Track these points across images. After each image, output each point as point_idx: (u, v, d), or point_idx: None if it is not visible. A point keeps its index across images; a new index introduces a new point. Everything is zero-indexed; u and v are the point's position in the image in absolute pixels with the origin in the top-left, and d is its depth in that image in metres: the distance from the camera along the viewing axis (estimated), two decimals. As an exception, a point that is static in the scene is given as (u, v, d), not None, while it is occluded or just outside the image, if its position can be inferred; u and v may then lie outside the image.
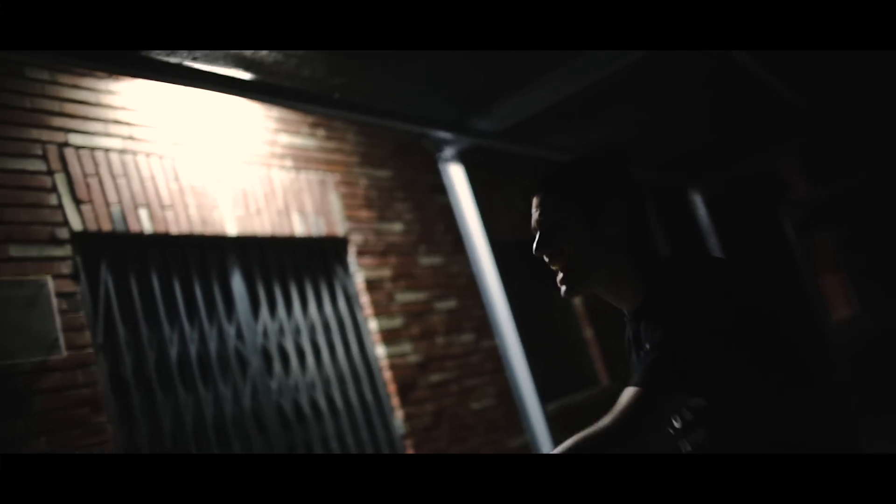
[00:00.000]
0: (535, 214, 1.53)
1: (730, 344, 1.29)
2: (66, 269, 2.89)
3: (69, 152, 3.05)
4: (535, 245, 1.50)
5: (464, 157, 4.13)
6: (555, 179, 1.53)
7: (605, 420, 1.28)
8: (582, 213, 1.47)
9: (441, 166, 4.14)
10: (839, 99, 6.82)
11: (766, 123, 7.08)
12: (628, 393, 1.30)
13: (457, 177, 4.05)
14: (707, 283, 1.37)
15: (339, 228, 4.13)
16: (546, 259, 1.51)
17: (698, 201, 8.05)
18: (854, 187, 10.83)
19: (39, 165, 2.94)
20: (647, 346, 1.35)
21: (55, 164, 2.99)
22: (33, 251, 2.80)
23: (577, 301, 6.06)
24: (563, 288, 1.49)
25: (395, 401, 4.05)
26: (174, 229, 3.33)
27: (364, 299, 4.14)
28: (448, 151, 4.06)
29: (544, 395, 4.06)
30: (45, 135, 3.01)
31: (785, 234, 11.35)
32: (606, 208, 1.46)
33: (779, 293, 1.45)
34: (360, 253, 4.20)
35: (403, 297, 4.35)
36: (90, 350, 2.85)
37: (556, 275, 1.51)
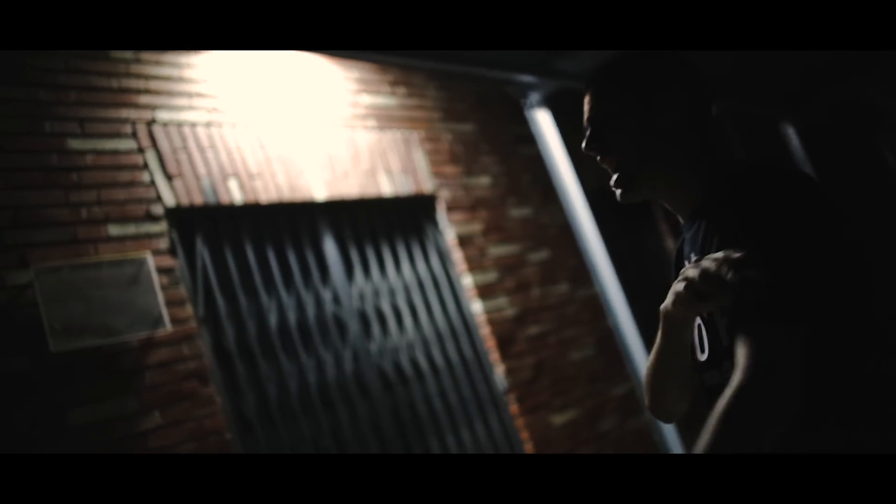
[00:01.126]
0: (586, 110, 1.38)
1: (833, 269, 1.11)
2: (163, 244, 2.91)
3: (157, 129, 3.06)
4: (584, 142, 1.36)
5: (550, 103, 4.00)
6: (606, 72, 1.38)
7: (740, 384, 1.06)
8: (635, 103, 1.32)
9: (527, 114, 4.02)
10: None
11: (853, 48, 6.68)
12: (750, 342, 1.08)
13: (545, 124, 3.94)
14: (798, 194, 1.17)
15: (427, 185, 4.07)
16: (598, 158, 1.36)
17: (791, 133, 7.69)
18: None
19: (130, 144, 2.96)
20: (717, 250, 1.18)
21: (145, 142, 3.00)
22: (131, 229, 2.83)
23: (672, 246, 5.88)
24: (619, 191, 1.34)
25: (494, 356, 4.00)
26: (264, 198, 3.32)
27: (456, 255, 4.08)
28: (534, 97, 3.94)
29: (648, 342, 3.95)
30: (133, 113, 3.02)
31: (885, 161, 10.80)
32: (661, 98, 1.31)
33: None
34: (450, 209, 4.14)
35: (496, 250, 4.28)
36: (193, 323, 2.88)
37: (609, 177, 1.36)
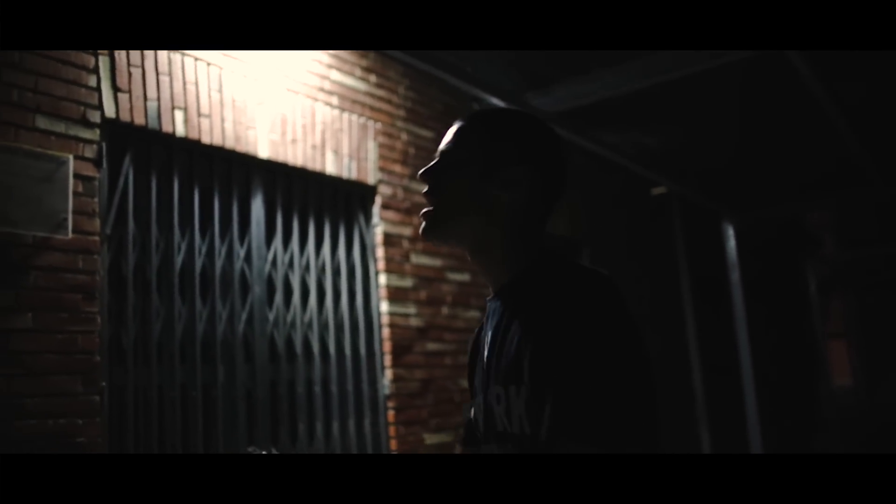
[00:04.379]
0: (445, 140, 1.35)
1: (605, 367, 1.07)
2: (89, 152, 2.82)
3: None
4: (424, 169, 1.33)
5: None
6: (483, 119, 1.35)
7: None
8: (485, 163, 1.28)
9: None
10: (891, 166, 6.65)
11: (812, 171, 6.94)
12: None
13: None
14: (604, 304, 1.12)
15: (371, 177, 4.05)
16: (425, 189, 1.34)
17: (730, 233, 7.92)
18: (881, 256, 10.65)
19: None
20: (519, 341, 1.17)
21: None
22: (60, 127, 2.74)
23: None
24: (424, 225, 1.32)
25: (387, 359, 3.98)
26: (206, 139, 3.26)
27: (379, 252, 4.06)
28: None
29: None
30: (98, 13, 2.93)
31: (807, 288, 11.19)
32: (512, 172, 1.27)
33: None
34: (386, 206, 4.12)
35: (418, 259, 4.27)
36: (96, 238, 2.79)
37: (424, 208, 1.33)
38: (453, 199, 1.30)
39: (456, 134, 1.34)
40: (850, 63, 4.43)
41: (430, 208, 1.33)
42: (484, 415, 1.31)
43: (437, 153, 1.36)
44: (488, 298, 1.37)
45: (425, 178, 1.34)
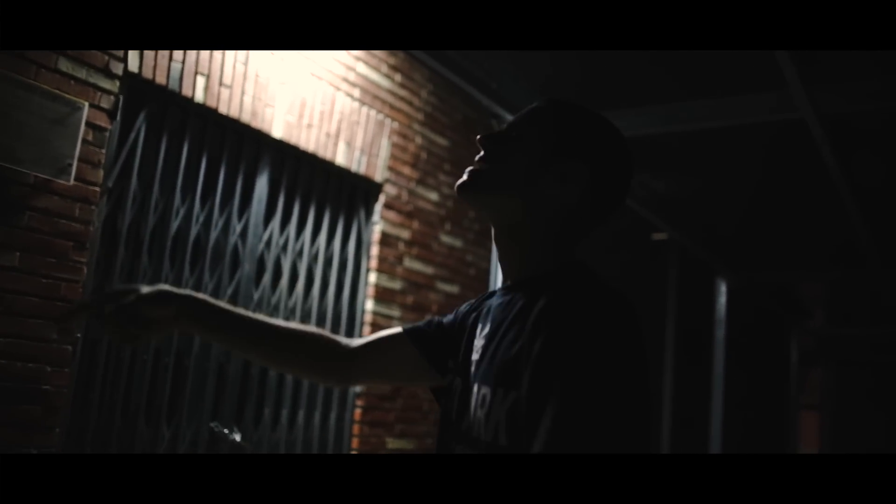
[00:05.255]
0: (519, 117, 1.28)
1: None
2: (106, 103, 2.81)
3: (154, -6, 2.97)
4: (486, 134, 1.26)
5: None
6: (562, 108, 1.26)
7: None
8: (547, 153, 1.21)
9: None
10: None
11: (814, 244, 6.97)
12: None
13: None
14: (625, 329, 1.05)
15: (379, 174, 4.05)
16: (480, 152, 1.26)
17: (722, 289, 7.93)
18: (867, 338, 10.68)
19: (121, -6, 2.86)
20: (523, 345, 1.07)
21: (136, 0, 2.91)
22: (81, 73, 2.73)
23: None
24: (464, 181, 1.24)
25: (363, 358, 3.96)
26: (224, 109, 3.25)
27: (374, 251, 4.05)
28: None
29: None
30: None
31: (789, 356, 11.21)
32: (571, 170, 1.20)
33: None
34: (388, 206, 4.12)
35: (411, 264, 4.27)
36: (97, 189, 2.78)
37: (473, 164, 1.26)
38: (505, 172, 1.22)
39: (532, 111, 1.27)
40: (871, 146, 4.45)
41: (478, 168, 1.24)
42: (458, 407, 1.23)
43: (508, 126, 1.27)
44: (497, 289, 1.29)
45: (485, 141, 1.26)
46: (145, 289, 1.40)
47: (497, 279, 3.92)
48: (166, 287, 1.43)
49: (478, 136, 1.26)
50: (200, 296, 1.45)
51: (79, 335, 2.76)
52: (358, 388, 3.92)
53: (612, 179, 1.24)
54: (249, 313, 1.49)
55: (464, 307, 1.44)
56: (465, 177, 1.24)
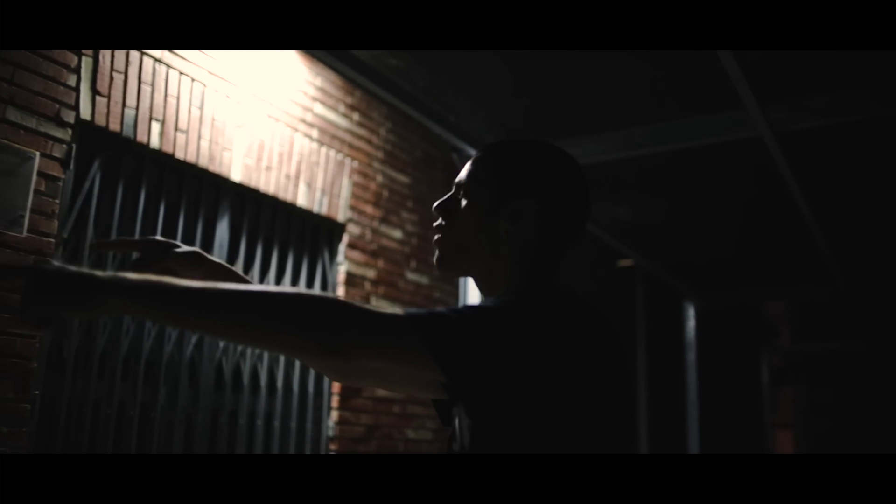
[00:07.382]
0: (463, 173, 1.31)
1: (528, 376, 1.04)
2: (58, 152, 2.75)
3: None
4: (441, 201, 1.30)
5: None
6: (497, 150, 1.31)
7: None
8: (495, 198, 1.24)
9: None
10: (862, 268, 6.77)
11: (778, 262, 7.03)
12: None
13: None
14: (557, 319, 1.10)
15: (341, 214, 4.01)
16: (435, 222, 1.32)
17: (690, 312, 7.96)
18: (833, 353, 10.79)
19: (70, 42, 2.82)
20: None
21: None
22: (31, 122, 2.67)
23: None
24: (437, 256, 1.31)
25: (334, 400, 3.89)
26: (180, 154, 3.20)
27: (340, 291, 4.00)
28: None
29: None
30: (86, 15, 2.89)
31: (759, 376, 11.27)
32: (520, 206, 1.23)
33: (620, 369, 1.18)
34: (352, 245, 4.07)
35: (379, 303, 4.21)
36: (51, 240, 2.71)
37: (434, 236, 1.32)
38: (462, 232, 1.28)
39: (472, 164, 1.31)
40: (826, 162, 4.51)
41: (438, 239, 1.31)
42: (450, 435, 1.27)
43: (453, 184, 1.33)
44: None
45: (439, 211, 1.31)
46: (184, 248, 1.44)
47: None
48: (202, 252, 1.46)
49: (433, 206, 1.32)
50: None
51: (37, 392, 2.66)
52: (331, 432, 3.84)
53: (566, 201, 1.28)
54: None
55: None
56: (435, 252, 1.32)
